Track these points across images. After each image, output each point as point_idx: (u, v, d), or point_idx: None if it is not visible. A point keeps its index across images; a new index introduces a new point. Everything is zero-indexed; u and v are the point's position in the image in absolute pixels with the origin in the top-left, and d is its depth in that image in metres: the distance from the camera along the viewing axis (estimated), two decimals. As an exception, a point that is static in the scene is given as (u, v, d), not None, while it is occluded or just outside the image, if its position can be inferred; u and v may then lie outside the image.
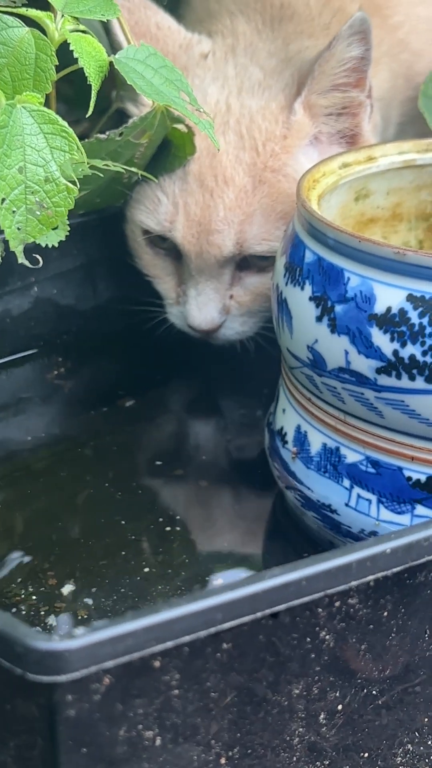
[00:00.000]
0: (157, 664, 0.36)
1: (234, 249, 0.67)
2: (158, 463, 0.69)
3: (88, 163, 0.56)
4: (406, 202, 0.68)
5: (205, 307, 0.69)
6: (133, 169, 0.62)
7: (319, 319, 0.55)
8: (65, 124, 0.50)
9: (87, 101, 0.55)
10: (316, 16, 0.71)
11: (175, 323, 0.73)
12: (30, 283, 0.75)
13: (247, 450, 0.71)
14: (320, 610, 0.40)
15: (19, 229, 0.49)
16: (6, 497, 0.65)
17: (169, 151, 0.67)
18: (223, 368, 0.76)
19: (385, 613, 0.42)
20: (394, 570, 0.40)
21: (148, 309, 0.74)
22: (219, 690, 0.39)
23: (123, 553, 0.60)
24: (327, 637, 0.41)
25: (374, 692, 0.44)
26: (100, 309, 0.78)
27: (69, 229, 0.54)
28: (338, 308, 0.54)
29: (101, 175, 0.59)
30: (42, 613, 0.56)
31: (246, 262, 0.69)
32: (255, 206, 0.67)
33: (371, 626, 0.42)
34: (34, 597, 0.57)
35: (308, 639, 0.40)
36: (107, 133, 0.61)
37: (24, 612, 0.56)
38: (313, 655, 0.41)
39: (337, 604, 0.40)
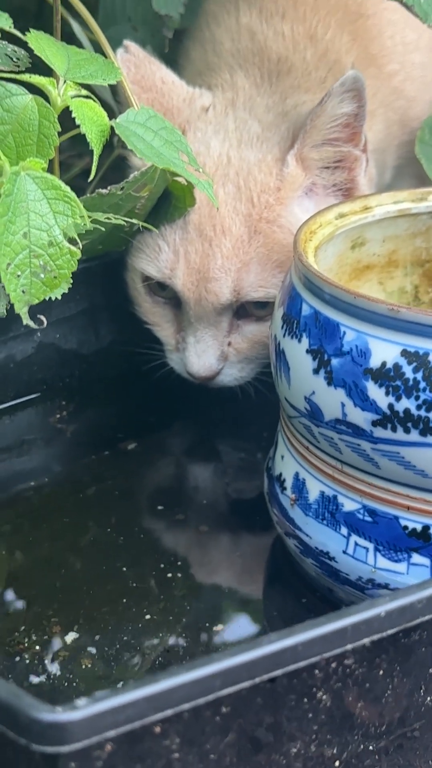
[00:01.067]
0: (157, 729, 0.37)
1: (231, 296, 0.69)
2: (160, 507, 0.70)
3: (90, 218, 0.57)
4: (402, 249, 0.69)
5: (203, 354, 0.70)
6: (134, 221, 0.63)
7: (316, 371, 0.56)
8: (68, 189, 0.51)
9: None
10: (312, 70, 0.73)
11: (174, 369, 0.74)
12: (33, 328, 0.76)
13: (247, 494, 0.72)
14: (317, 671, 0.41)
15: (23, 291, 0.51)
16: (10, 543, 0.66)
17: (169, 202, 0.68)
18: (224, 411, 0.77)
19: (381, 672, 0.43)
20: (389, 632, 0.41)
21: (149, 352, 0.75)
22: (218, 752, 0.40)
23: (125, 600, 0.61)
24: (324, 696, 0.42)
25: (371, 747, 0.45)
26: (103, 353, 0.79)
27: (72, 274, 0.55)
28: (334, 362, 0.55)
29: (102, 229, 0.61)
30: (45, 661, 0.57)
31: (244, 310, 0.71)
32: (251, 255, 0.68)
33: (367, 684, 0.43)
34: (37, 646, 0.58)
35: (305, 699, 0.41)
36: (109, 188, 0.63)
37: (27, 661, 0.57)
38: (310, 715, 0.42)
39: (334, 665, 0.41)
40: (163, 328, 0.73)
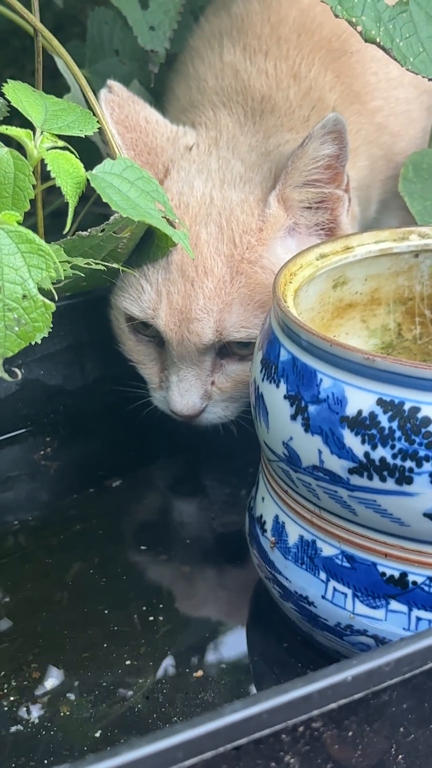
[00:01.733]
0: (121, 799, 0.37)
1: (213, 336, 0.69)
2: (143, 547, 0.70)
3: (69, 263, 0.58)
4: (384, 287, 0.69)
5: (187, 394, 0.70)
6: (114, 265, 0.63)
7: (293, 417, 0.56)
8: (42, 242, 0.51)
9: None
10: (296, 108, 0.73)
11: (158, 407, 0.74)
12: (17, 365, 0.76)
13: (231, 533, 0.72)
14: (284, 736, 0.41)
15: (-3, 344, 0.51)
16: (-7, 584, 0.66)
17: (152, 241, 0.68)
18: (209, 447, 0.77)
19: (351, 733, 0.43)
20: (357, 696, 0.41)
21: (134, 391, 0.75)
22: None
23: (105, 644, 0.61)
24: (292, 760, 0.42)
25: (342, 806, 0.45)
26: (88, 388, 0.79)
27: (56, 311, 0.55)
28: (311, 408, 0.55)
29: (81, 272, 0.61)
30: (24, 708, 0.57)
31: (227, 350, 0.71)
32: (233, 296, 0.68)
33: (337, 746, 0.43)
34: (17, 692, 0.58)
35: (273, 764, 0.41)
36: (89, 230, 0.63)
37: (6, 708, 0.57)
38: (278, 778, 0.42)
39: (301, 729, 0.41)
40: (147, 366, 0.73)
